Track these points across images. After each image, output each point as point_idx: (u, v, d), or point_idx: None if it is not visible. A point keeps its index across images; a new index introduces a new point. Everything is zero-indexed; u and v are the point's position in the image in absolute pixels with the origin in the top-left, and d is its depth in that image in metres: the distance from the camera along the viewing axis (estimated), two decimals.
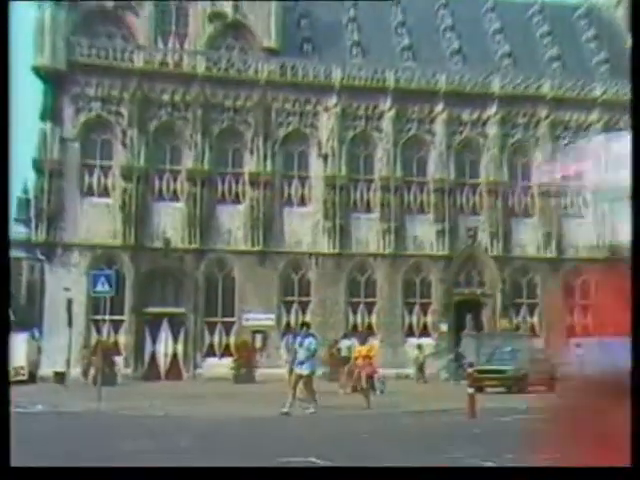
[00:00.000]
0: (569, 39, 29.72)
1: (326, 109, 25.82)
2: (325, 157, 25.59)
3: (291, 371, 12.07)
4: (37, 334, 24.41)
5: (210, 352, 24.21)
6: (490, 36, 29.38)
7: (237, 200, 25.09)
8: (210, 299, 24.48)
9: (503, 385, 17.68)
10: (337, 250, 25.15)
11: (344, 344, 19.83)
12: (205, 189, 24.59)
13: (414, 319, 25.77)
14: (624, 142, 1.70)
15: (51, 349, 21.92)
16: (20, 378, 20.45)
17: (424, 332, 25.61)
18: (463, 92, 26.76)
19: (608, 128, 27.51)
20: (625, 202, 1.64)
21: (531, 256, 26.84)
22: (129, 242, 23.72)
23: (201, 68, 24.98)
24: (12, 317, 20.14)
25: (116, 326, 23.11)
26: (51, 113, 23.52)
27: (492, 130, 26.96)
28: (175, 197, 24.65)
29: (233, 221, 24.87)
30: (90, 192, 24.11)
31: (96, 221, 23.73)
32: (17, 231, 25.72)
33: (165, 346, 23.92)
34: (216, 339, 24.36)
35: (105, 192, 24.21)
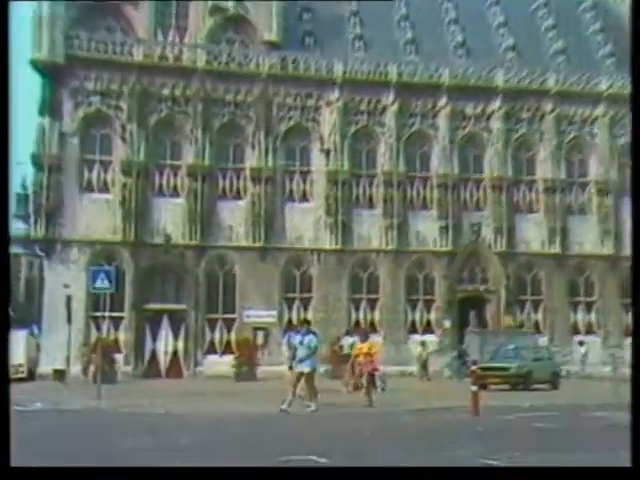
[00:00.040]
0: (574, 32, 29.42)
1: (328, 103, 25.59)
2: (327, 152, 25.37)
3: (291, 369, 11.91)
4: (36, 331, 24.29)
5: (211, 349, 24.05)
6: (494, 29, 29.11)
7: (238, 196, 24.90)
8: (211, 296, 24.30)
9: (507, 383, 17.54)
10: (339, 246, 24.96)
11: (346, 341, 19.63)
12: (206, 184, 24.39)
13: (417, 316, 25.59)
14: None
15: (50, 346, 21.77)
16: (19, 376, 20.35)
17: (427, 329, 25.45)
18: (467, 86, 26.52)
19: (614, 123, 27.28)
20: None
21: (535, 252, 26.63)
22: (129, 238, 23.54)
23: (201, 62, 24.77)
24: (11, 314, 19.94)
25: (116, 323, 22.95)
26: (50, 107, 23.33)
27: (496, 124, 26.71)
28: (175, 193, 24.45)
29: (234, 217, 24.68)
30: (89, 187, 23.92)
31: (96, 217, 23.55)
32: (16, 227, 25.53)
33: (165, 343, 23.75)
34: (217, 336, 24.19)
35: (105, 187, 24.01)
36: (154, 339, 23.72)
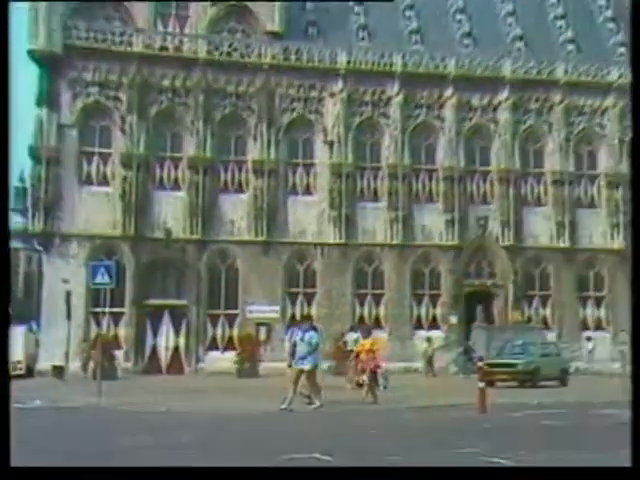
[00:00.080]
0: (584, 20, 28.88)
1: (332, 94, 25.20)
2: (331, 144, 25.00)
3: (290, 366, 11.67)
4: (35, 327, 24.07)
5: (213, 345, 23.80)
6: (502, 18, 28.58)
7: (240, 189, 24.59)
8: (213, 291, 24.02)
9: (514, 379, 17.36)
10: (343, 240, 24.64)
11: (350, 337, 19.27)
12: (207, 177, 24.08)
13: (423, 311, 25.26)
14: None
15: (49, 342, 21.52)
16: (18, 372, 20.11)
17: (433, 324, 25.17)
18: (473, 76, 26.10)
19: (624, 114, 26.70)
20: None
21: (544, 246, 26.26)
22: (129, 232, 23.27)
23: (202, 52, 24.42)
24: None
25: (116, 319, 22.70)
26: (47, 98, 23.03)
27: (503, 116, 26.29)
28: (176, 186, 24.14)
29: (236, 210, 24.37)
30: (89, 180, 23.63)
31: (95, 210, 23.28)
32: (14, 221, 25.39)
33: (166, 339, 23.52)
34: (219, 332, 23.91)
35: (104, 180, 23.72)
36: (155, 335, 23.48)
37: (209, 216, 24.01)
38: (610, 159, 27.04)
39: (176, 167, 24.23)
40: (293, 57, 25.11)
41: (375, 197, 25.39)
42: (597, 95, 27.00)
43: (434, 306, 25.36)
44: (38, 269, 28.19)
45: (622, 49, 27.85)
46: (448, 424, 9.84)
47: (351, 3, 27.38)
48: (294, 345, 11.62)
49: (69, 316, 19.96)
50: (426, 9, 27.45)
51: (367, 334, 13.97)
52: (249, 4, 25.55)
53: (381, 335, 21.30)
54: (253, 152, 24.63)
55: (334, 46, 25.45)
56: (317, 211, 24.85)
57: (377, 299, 25.03)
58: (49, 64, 23.02)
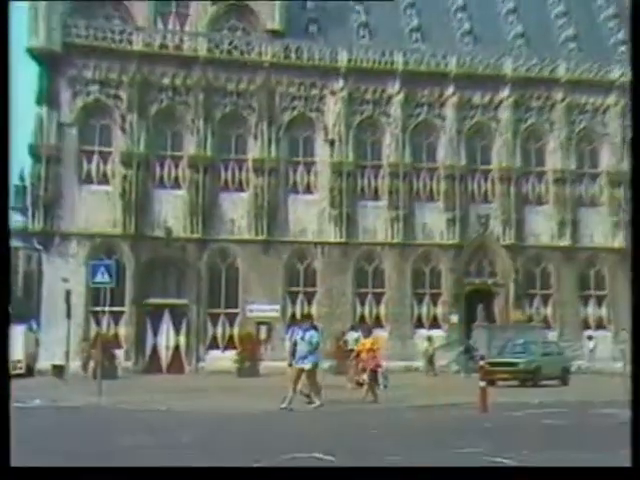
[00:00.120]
0: (586, 18, 28.80)
1: (332, 93, 25.14)
2: (331, 143, 24.95)
3: (290, 365, 11.64)
4: (34, 326, 24.04)
5: (213, 344, 23.77)
6: (503, 16, 28.51)
7: (240, 187, 24.54)
8: (213, 290, 23.98)
9: (515, 378, 17.35)
10: (344, 239, 24.59)
11: (351, 336, 19.18)
12: (207, 176, 24.02)
13: (424, 310, 25.21)
14: None
15: (49, 341, 21.48)
16: (17, 372, 20.08)
17: (434, 323, 25.12)
18: (474, 74, 26.03)
19: (626, 112, 26.59)
20: None
21: (545, 245, 26.21)
22: (129, 231, 23.23)
23: (203, 50, 24.36)
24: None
25: (116, 318, 22.68)
26: (47, 97, 22.99)
27: (505, 114, 26.22)
28: (177, 184, 24.10)
29: (236, 209, 24.32)
30: (89, 179, 23.59)
31: (95, 209, 23.23)
32: (13, 220, 25.32)
33: (167, 338, 23.49)
34: (219, 331, 23.87)
35: (104, 179, 23.68)
36: (155, 334, 23.45)
37: (209, 215, 23.96)
38: (612, 157, 26.96)
39: (176, 166, 24.18)
40: (294, 55, 25.05)
41: (376, 196, 25.33)
42: (599, 93, 26.93)
43: (435, 305, 25.31)
44: (38, 268, 28.17)
45: (623, 47, 27.75)
46: (449, 423, 9.83)
47: (351, 1, 27.31)
48: (294, 344, 11.60)
49: (69, 315, 19.84)
50: (427, 7, 27.37)
51: (368, 333, 13.97)
52: (249, 2, 25.49)
53: (382, 334, 21.25)
54: (253, 151, 24.57)
55: (335, 44, 25.39)
56: (318, 210, 24.79)
57: (378, 298, 24.98)
58: (49, 62, 22.98)
